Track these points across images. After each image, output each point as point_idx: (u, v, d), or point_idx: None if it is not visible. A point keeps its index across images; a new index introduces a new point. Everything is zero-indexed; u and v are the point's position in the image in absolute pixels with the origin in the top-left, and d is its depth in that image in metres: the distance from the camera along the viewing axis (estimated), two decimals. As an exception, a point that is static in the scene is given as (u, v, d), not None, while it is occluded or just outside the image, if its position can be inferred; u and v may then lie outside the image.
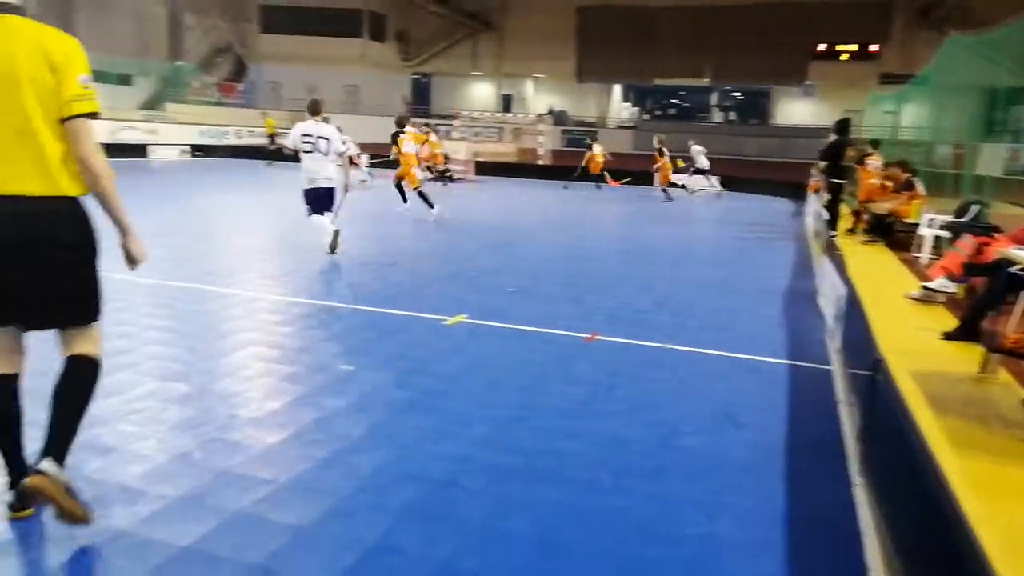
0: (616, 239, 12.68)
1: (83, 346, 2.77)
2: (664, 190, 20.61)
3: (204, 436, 3.59)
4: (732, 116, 41.58)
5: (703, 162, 22.52)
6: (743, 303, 7.46)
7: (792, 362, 5.40)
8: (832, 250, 7.96)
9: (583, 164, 22.73)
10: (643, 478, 3.40)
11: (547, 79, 41.25)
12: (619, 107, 42.24)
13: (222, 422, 3.77)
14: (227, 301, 6.38)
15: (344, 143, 9.25)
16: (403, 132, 13.43)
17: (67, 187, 2.61)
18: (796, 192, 22.65)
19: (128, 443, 3.46)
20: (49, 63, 2.55)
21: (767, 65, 34.12)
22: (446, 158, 22.26)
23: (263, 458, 3.40)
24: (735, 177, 27.16)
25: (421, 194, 13.05)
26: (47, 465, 2.55)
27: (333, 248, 8.64)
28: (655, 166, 21.33)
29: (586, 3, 36.41)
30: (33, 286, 2.60)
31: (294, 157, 8.98)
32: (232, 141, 31.00)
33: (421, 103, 42.32)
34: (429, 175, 21.92)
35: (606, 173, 23.34)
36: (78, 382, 2.73)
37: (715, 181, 23.28)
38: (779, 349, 5.75)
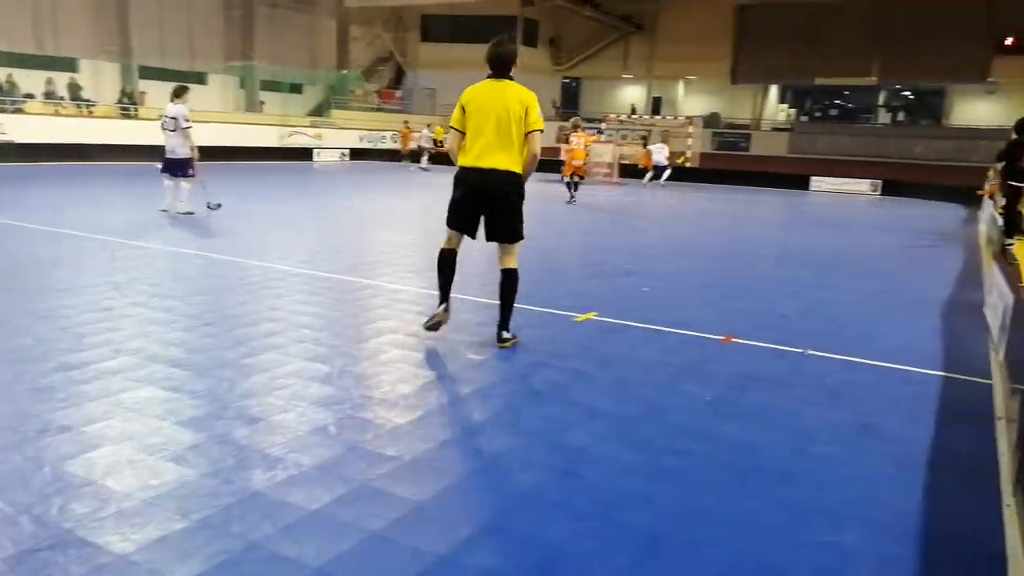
0: (767, 243, 12.18)
1: (509, 262, 5.03)
2: (570, 184, 18.05)
3: (340, 413, 3.79)
4: (901, 117, 38.68)
5: (660, 158, 24.54)
6: (901, 312, 6.98)
7: (949, 374, 4.99)
8: (1004, 257, 7.26)
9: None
10: (770, 483, 3.26)
11: (699, 81, 40.21)
12: (775, 109, 40.45)
13: (357, 401, 3.98)
14: (371, 291, 6.71)
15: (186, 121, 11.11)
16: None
17: (517, 167, 4.89)
18: (971, 198, 20.96)
19: (272, 415, 3.72)
20: (523, 106, 4.81)
21: (942, 61, 31.43)
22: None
23: (391, 436, 3.55)
24: (902, 181, 25.38)
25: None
26: (504, 333, 5.10)
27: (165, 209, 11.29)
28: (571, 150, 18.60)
29: (746, 1, 35.13)
30: (494, 214, 4.94)
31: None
32: (388, 145, 32.47)
33: (571, 106, 42.50)
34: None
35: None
36: (508, 284, 5.03)
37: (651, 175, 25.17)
38: (935, 361, 5.33)
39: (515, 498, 3.01)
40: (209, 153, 19.10)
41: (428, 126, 28.22)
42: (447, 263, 5.17)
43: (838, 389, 4.63)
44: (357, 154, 31.35)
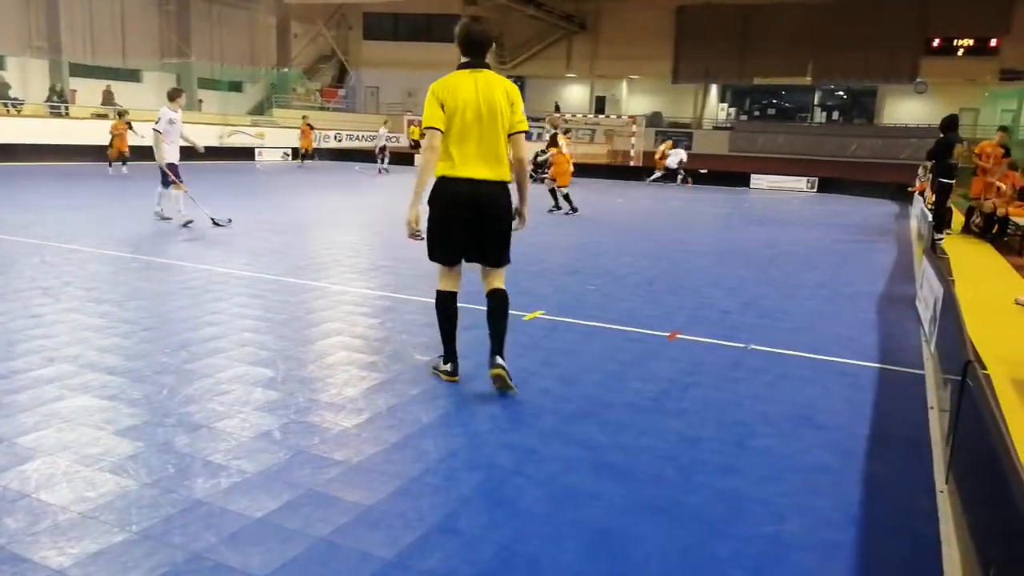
0: (708, 241, 12.40)
1: (499, 282, 4.28)
2: (566, 196, 15.02)
3: (285, 418, 3.74)
4: (835, 116, 39.87)
5: (672, 162, 25.86)
6: (837, 306, 7.18)
7: (883, 366, 5.16)
8: (934, 252, 7.55)
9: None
10: (713, 476, 3.33)
11: (641, 80, 40.74)
12: (716, 108, 41.26)
13: (302, 406, 3.93)
14: (316, 293, 6.63)
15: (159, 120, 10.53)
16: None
17: (507, 176, 4.14)
18: (903, 194, 21.70)
19: (214, 421, 3.65)
20: (509, 99, 4.07)
21: (874, 62, 32.52)
22: None
23: (338, 440, 3.52)
24: (837, 179, 26.14)
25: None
26: (499, 359, 4.17)
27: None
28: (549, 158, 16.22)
29: (686, 2, 35.74)
30: (485, 236, 4.15)
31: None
32: (332, 144, 32.03)
33: (515, 106, 42.58)
34: None
35: None
36: (501, 306, 4.27)
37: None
38: (870, 353, 5.52)
39: (463, 500, 3.01)
40: (142, 153, 18.79)
41: (385, 123, 27.50)
42: (449, 311, 4.33)
43: (778, 382, 4.75)
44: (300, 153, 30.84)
